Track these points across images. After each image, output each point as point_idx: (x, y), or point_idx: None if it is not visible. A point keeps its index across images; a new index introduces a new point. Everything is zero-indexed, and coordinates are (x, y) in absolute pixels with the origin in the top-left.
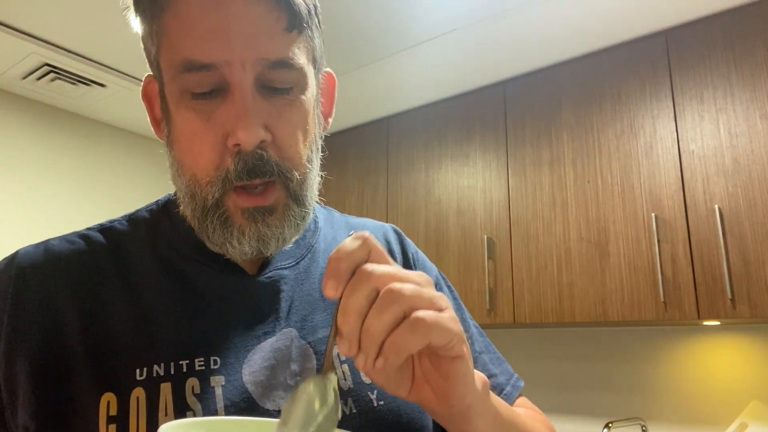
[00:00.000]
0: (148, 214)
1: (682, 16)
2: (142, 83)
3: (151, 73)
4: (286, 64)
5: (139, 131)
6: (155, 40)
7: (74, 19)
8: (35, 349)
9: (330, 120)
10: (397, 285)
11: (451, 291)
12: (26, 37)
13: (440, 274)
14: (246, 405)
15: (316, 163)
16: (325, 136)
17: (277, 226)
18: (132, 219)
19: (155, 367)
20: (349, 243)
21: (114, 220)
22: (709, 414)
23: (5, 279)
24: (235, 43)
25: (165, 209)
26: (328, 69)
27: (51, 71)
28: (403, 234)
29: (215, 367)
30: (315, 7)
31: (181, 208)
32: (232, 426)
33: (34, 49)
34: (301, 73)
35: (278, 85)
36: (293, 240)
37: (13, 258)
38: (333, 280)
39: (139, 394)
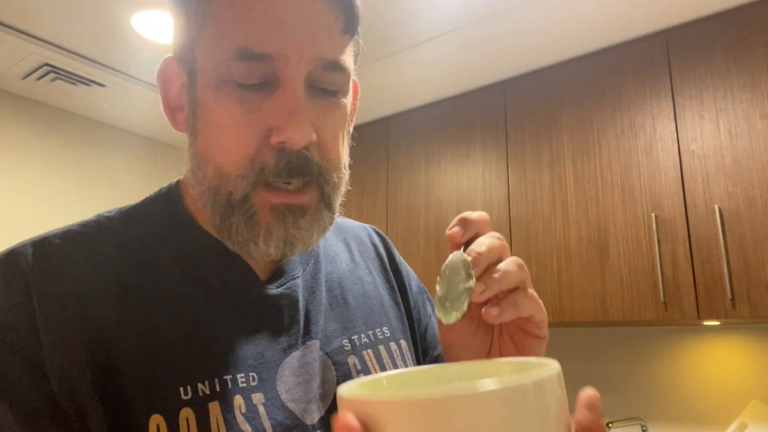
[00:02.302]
0: (145, 209)
1: (682, 16)
2: (161, 65)
3: (173, 55)
4: (338, 66)
5: (139, 131)
6: (197, 22)
7: (74, 19)
8: (75, 351)
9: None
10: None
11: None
12: (26, 37)
13: (421, 284)
14: (291, 423)
15: (347, 170)
16: None
17: (307, 229)
18: (129, 216)
19: (199, 384)
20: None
21: (111, 218)
22: (709, 414)
23: (18, 275)
24: (293, 37)
25: (168, 209)
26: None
27: (51, 71)
28: (386, 236)
29: (254, 383)
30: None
31: (199, 203)
32: (417, 377)
33: (34, 49)
34: (348, 76)
35: (327, 86)
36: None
37: (10, 253)
38: (461, 228)
39: (188, 415)
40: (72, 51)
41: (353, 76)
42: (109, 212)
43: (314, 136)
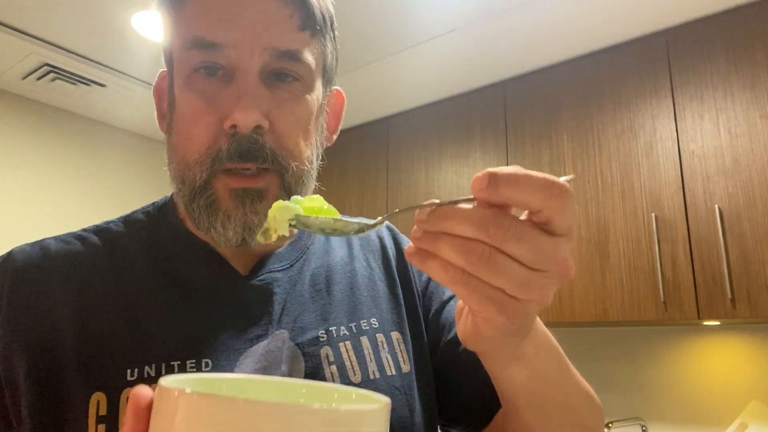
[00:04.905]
0: (144, 215)
1: (682, 16)
2: (156, 79)
3: (166, 68)
4: (293, 57)
5: (138, 131)
6: (172, 29)
7: (74, 19)
8: (30, 346)
9: (334, 137)
10: (501, 258)
11: None
12: (26, 37)
13: None
14: None
15: (315, 167)
16: None
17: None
18: (127, 220)
19: (146, 368)
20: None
21: (109, 222)
22: (709, 414)
23: (0, 277)
24: (246, 28)
25: (161, 211)
26: (338, 87)
27: (51, 71)
28: (396, 229)
29: (207, 369)
30: (331, 18)
31: (178, 204)
32: (241, 384)
33: (34, 49)
34: (307, 69)
35: (283, 71)
36: (283, 239)
37: (8, 256)
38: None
39: (129, 394)
40: (72, 51)
41: (336, 87)
42: (113, 219)
43: (265, 122)
